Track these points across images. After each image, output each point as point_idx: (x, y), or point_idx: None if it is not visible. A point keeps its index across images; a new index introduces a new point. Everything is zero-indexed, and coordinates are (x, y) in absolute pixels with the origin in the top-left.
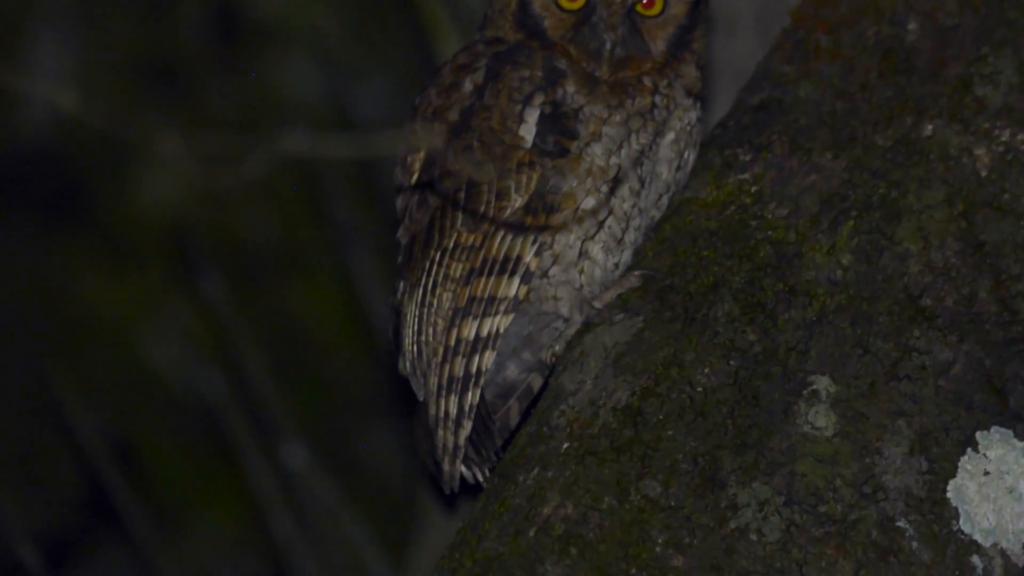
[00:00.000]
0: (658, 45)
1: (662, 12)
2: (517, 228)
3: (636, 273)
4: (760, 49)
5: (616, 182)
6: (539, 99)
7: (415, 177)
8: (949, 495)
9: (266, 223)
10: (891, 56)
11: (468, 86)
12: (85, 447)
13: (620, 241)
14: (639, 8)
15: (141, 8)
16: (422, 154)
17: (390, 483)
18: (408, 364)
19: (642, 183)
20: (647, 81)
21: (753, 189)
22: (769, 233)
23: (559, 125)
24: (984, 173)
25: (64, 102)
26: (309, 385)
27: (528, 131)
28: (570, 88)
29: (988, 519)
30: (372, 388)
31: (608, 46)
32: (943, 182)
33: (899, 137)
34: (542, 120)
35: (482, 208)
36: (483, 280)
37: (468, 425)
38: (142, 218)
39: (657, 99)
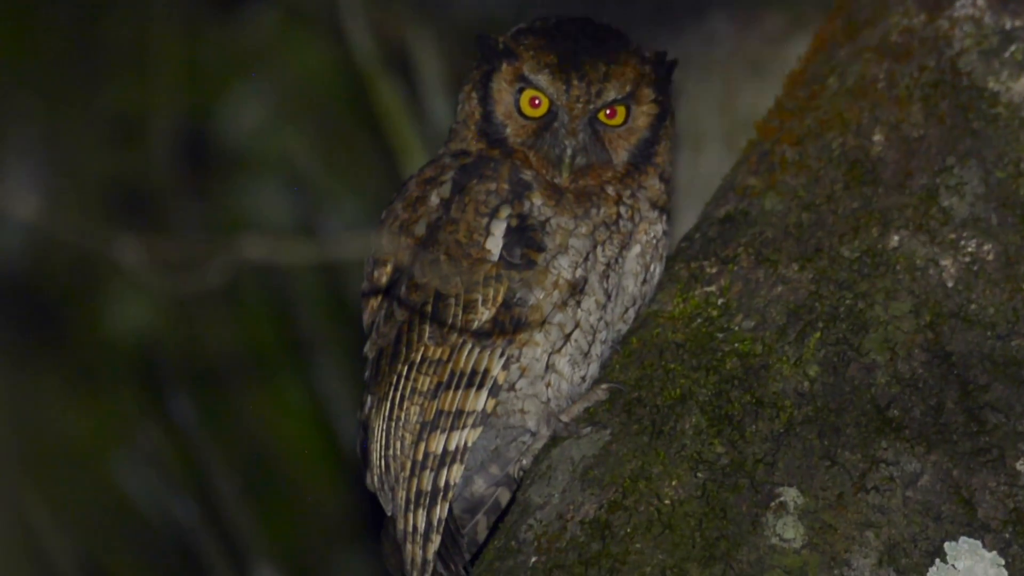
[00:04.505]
0: (620, 155)
1: (625, 122)
2: (484, 337)
3: (603, 386)
4: (727, 165)
5: (581, 293)
6: (505, 212)
7: (381, 291)
8: None
9: (232, 337)
10: (857, 167)
11: (434, 199)
12: (59, 574)
13: (586, 355)
14: (601, 116)
15: (112, 135)
16: (389, 268)
17: None
18: (376, 479)
19: (608, 296)
20: (610, 190)
21: (719, 301)
22: (736, 345)
23: (526, 238)
24: (951, 284)
25: (33, 222)
26: (279, 505)
27: (495, 244)
28: (537, 200)
29: None
30: (342, 505)
31: (569, 152)
32: (909, 293)
33: (865, 248)
34: (509, 233)
35: (449, 321)
36: (450, 394)
37: (436, 539)
38: (112, 341)
39: (622, 209)
